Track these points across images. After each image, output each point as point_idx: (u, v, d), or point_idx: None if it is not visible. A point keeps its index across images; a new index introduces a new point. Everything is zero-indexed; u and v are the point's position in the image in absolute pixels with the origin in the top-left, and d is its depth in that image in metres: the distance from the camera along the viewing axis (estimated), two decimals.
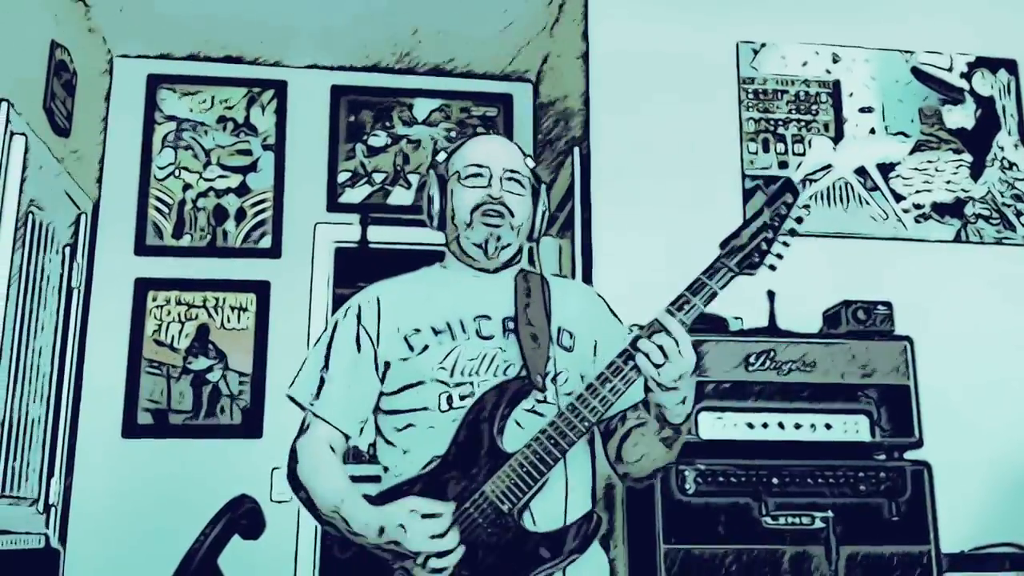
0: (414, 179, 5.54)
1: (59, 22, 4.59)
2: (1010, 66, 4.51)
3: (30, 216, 4.25)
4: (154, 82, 5.48)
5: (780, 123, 4.30)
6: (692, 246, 3.94)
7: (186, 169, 5.39)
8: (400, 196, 5.52)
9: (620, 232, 4.08)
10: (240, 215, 5.35)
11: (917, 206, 4.28)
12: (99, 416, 4.95)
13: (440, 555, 2.00)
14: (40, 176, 4.30)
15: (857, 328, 3.55)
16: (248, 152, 5.45)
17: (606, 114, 4.23)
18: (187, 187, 5.37)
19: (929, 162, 4.34)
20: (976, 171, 4.37)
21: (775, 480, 3.24)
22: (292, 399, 2.35)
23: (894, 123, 4.38)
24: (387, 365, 2.26)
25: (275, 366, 5.10)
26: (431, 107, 5.68)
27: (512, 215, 2.31)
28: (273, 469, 4.89)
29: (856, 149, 4.33)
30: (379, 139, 5.58)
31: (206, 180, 5.39)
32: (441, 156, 2.43)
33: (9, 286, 4.02)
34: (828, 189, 4.25)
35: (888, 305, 3.59)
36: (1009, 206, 4.34)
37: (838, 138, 4.33)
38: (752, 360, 3.40)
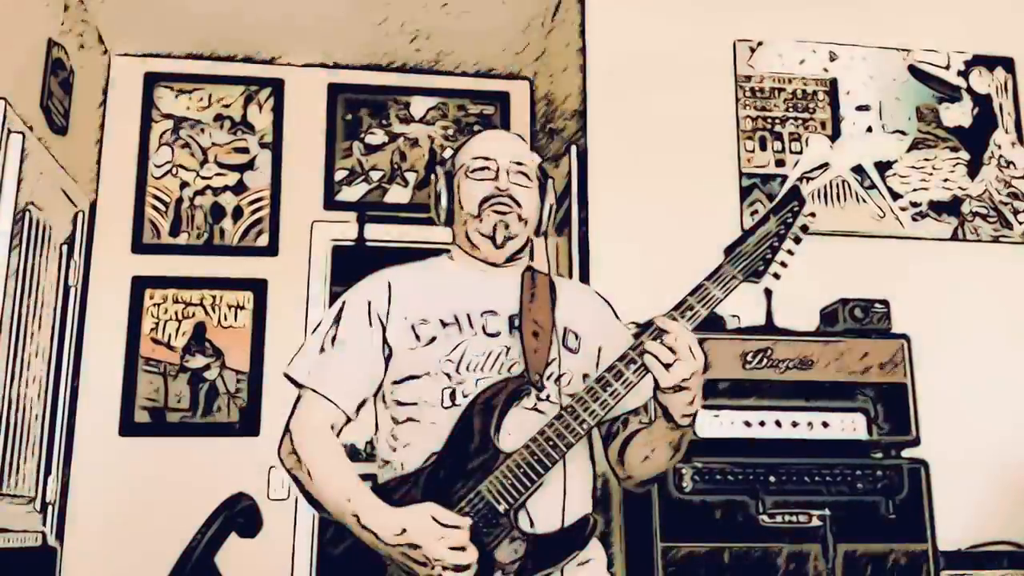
0: (411, 177, 5.54)
1: (56, 20, 4.58)
2: (1007, 64, 4.51)
3: (27, 214, 4.24)
4: (151, 80, 5.48)
5: (777, 121, 4.30)
6: (689, 244, 3.95)
7: (183, 167, 5.39)
8: (397, 194, 5.51)
9: (617, 230, 4.08)
10: (237, 213, 5.35)
11: (914, 204, 4.28)
12: (96, 414, 4.95)
13: (457, 568, 1.97)
14: (37, 174, 4.30)
15: (854, 326, 3.55)
16: (245, 150, 5.45)
17: (603, 112, 4.23)
18: (184, 185, 5.36)
19: (926, 160, 4.34)
20: (973, 169, 4.37)
21: (772, 478, 3.24)
22: (289, 377, 2.31)
23: (891, 121, 4.38)
24: (392, 352, 2.24)
25: (272, 364, 5.09)
26: (428, 105, 5.68)
27: (520, 207, 2.31)
28: (271, 467, 4.89)
29: (853, 147, 4.33)
30: (376, 137, 5.58)
31: (203, 178, 5.39)
32: (447, 153, 2.44)
33: (6, 284, 4.01)
34: (825, 187, 4.25)
35: (885, 303, 3.59)
36: (1006, 204, 4.35)
37: (835, 136, 4.34)
38: (749, 358, 3.41)
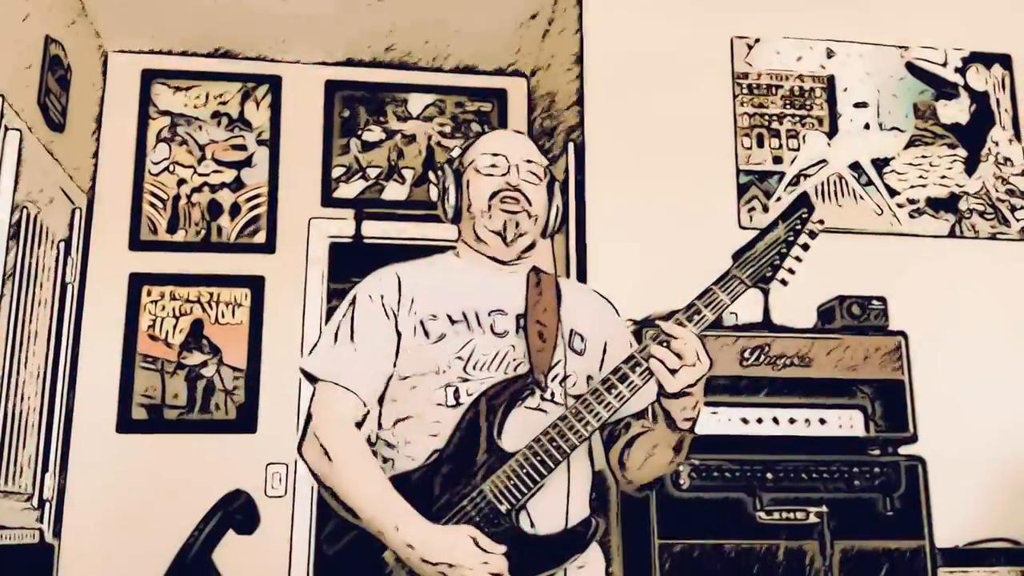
0: (408, 174, 5.53)
1: (53, 17, 4.58)
2: (1005, 61, 4.51)
3: (24, 211, 4.24)
4: (148, 77, 5.47)
5: (774, 118, 4.30)
6: (686, 242, 3.97)
7: (180, 164, 5.38)
8: (394, 191, 5.51)
9: (614, 227, 4.08)
10: (234, 210, 5.34)
11: (912, 201, 4.29)
12: (94, 411, 4.94)
13: None
14: (34, 171, 4.29)
15: (852, 323, 3.55)
16: (242, 147, 5.44)
17: (601, 109, 4.23)
18: (181, 182, 5.36)
19: (924, 157, 4.35)
20: (971, 166, 4.38)
21: (769, 475, 3.25)
22: (305, 372, 2.25)
23: (889, 118, 4.38)
24: (400, 347, 2.22)
25: (269, 361, 5.09)
26: (425, 102, 5.67)
27: (530, 204, 2.31)
28: (268, 464, 4.90)
29: (851, 144, 4.33)
30: (373, 134, 5.58)
31: (200, 175, 5.38)
32: (453, 152, 2.43)
33: (4, 282, 4.01)
34: (822, 184, 4.25)
35: (883, 300, 3.59)
36: (1004, 201, 4.35)
37: (832, 133, 4.34)
38: (747, 355, 3.41)
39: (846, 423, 3.41)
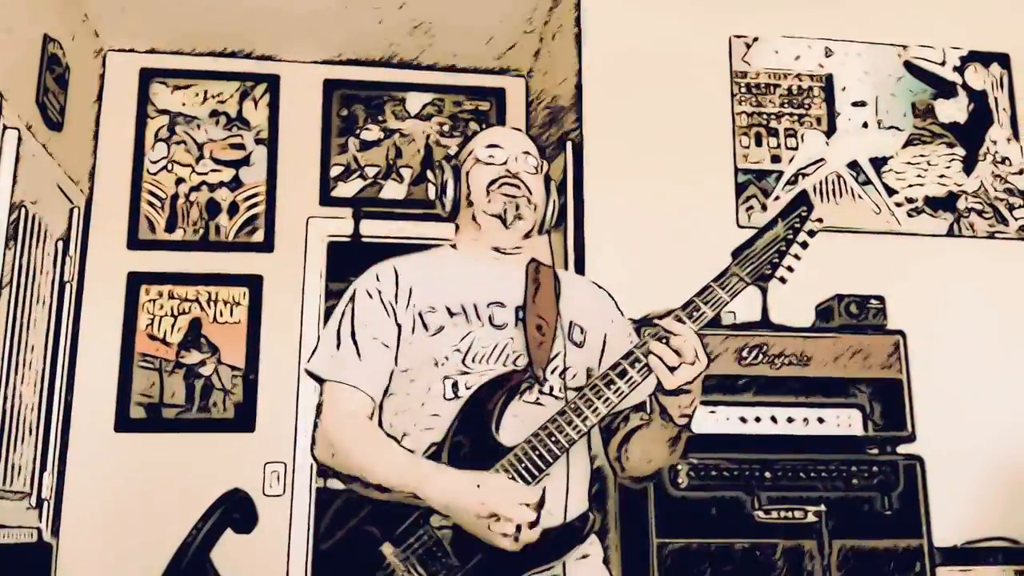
0: (407, 173, 5.53)
1: (52, 16, 4.57)
2: (1003, 60, 4.51)
3: (22, 210, 4.24)
4: (147, 76, 5.47)
5: (773, 117, 4.30)
6: (684, 240, 3.97)
7: (179, 163, 5.38)
8: (393, 190, 5.51)
9: (612, 225, 4.08)
10: (233, 209, 5.34)
11: (910, 200, 4.29)
12: (92, 410, 4.94)
13: (531, 525, 1.95)
14: (33, 170, 4.29)
15: (850, 322, 3.56)
16: (241, 146, 5.44)
17: (599, 108, 4.23)
18: (180, 181, 5.36)
19: (922, 156, 4.35)
20: (969, 165, 4.38)
21: (768, 474, 3.25)
22: (310, 373, 2.26)
23: (887, 117, 4.38)
24: (400, 340, 2.23)
25: (268, 360, 5.09)
26: (424, 101, 5.67)
27: (529, 191, 2.33)
28: (266, 463, 4.90)
29: (849, 143, 4.33)
30: (372, 133, 5.58)
31: (199, 174, 5.38)
32: (449, 151, 2.45)
33: (2, 281, 4.01)
34: (821, 183, 4.25)
35: (881, 299, 3.59)
36: (1002, 200, 4.35)
37: (831, 132, 4.34)
38: (745, 354, 3.41)
39: (844, 422, 3.41)
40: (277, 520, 4.83)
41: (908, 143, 4.36)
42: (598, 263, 4.00)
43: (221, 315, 5.18)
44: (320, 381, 2.25)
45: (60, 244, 4.80)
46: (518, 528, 1.94)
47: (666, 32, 4.32)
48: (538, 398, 2.17)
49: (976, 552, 3.58)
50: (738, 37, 4.37)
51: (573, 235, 4.13)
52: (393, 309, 2.23)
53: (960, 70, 4.47)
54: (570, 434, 2.04)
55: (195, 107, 5.47)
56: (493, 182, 2.31)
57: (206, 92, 5.50)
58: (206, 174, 5.39)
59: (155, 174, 5.35)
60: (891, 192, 4.28)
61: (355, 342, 2.22)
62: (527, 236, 2.37)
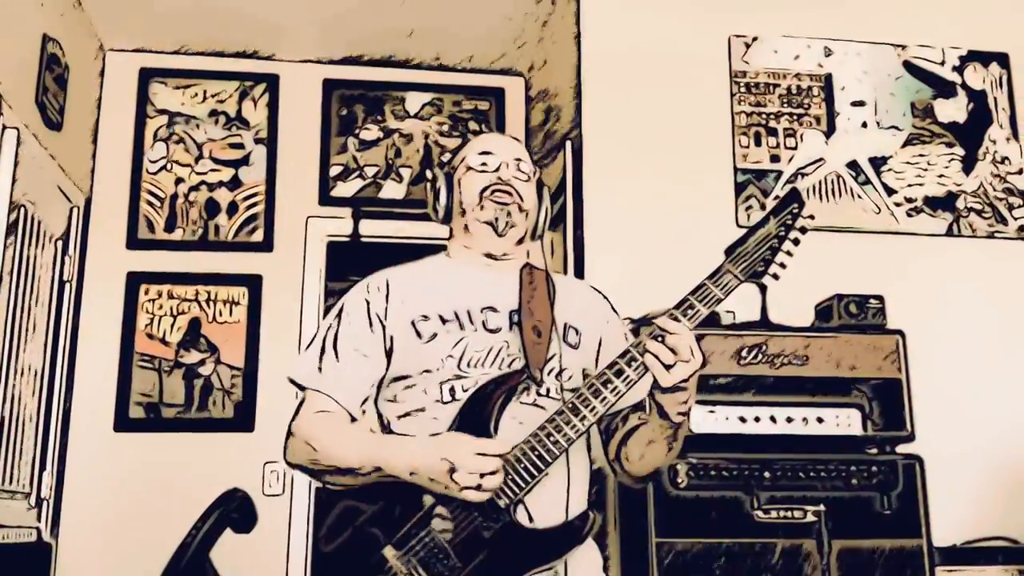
0: (406, 173, 5.54)
1: (51, 16, 4.57)
2: (1002, 59, 4.51)
3: (22, 210, 4.24)
4: (146, 76, 5.47)
5: (772, 117, 4.30)
6: (684, 240, 3.96)
7: (178, 163, 5.38)
8: (392, 190, 5.51)
9: (611, 225, 4.09)
10: (232, 209, 5.34)
11: (909, 200, 4.29)
12: (91, 410, 4.94)
13: (486, 475, 1.98)
14: (32, 170, 4.29)
15: (849, 322, 3.55)
16: (240, 146, 5.44)
17: (598, 107, 4.23)
18: (179, 181, 5.36)
19: (921, 156, 4.35)
20: (968, 165, 4.38)
21: (767, 474, 3.25)
22: (292, 381, 2.30)
23: (886, 117, 4.38)
24: (393, 349, 2.24)
25: (267, 360, 5.10)
26: (423, 101, 5.67)
27: (521, 199, 2.33)
28: (265, 463, 4.90)
29: (848, 143, 4.33)
30: (371, 133, 5.58)
31: (198, 174, 5.38)
32: (446, 152, 2.46)
33: (1, 280, 4.01)
34: (820, 183, 4.25)
35: (880, 299, 3.59)
36: (1001, 199, 4.35)
37: (830, 132, 4.34)
38: (744, 354, 3.41)
39: (844, 422, 3.41)
40: (277, 520, 4.83)
41: (907, 143, 4.36)
42: (598, 263, 4.01)
43: (220, 315, 5.18)
44: (302, 388, 2.29)
45: (59, 244, 4.81)
46: (481, 477, 1.97)
47: (665, 32, 4.33)
48: (535, 399, 2.18)
49: (976, 552, 3.58)
50: (737, 37, 4.37)
51: (572, 235, 4.13)
52: (381, 321, 2.25)
53: (959, 70, 4.48)
54: (568, 434, 2.04)
55: (194, 107, 5.47)
56: (485, 189, 2.32)
57: (205, 92, 5.50)
58: (205, 174, 5.39)
59: (154, 174, 5.35)
60: (890, 192, 4.28)
61: (339, 354, 2.25)
62: (519, 243, 2.38)
